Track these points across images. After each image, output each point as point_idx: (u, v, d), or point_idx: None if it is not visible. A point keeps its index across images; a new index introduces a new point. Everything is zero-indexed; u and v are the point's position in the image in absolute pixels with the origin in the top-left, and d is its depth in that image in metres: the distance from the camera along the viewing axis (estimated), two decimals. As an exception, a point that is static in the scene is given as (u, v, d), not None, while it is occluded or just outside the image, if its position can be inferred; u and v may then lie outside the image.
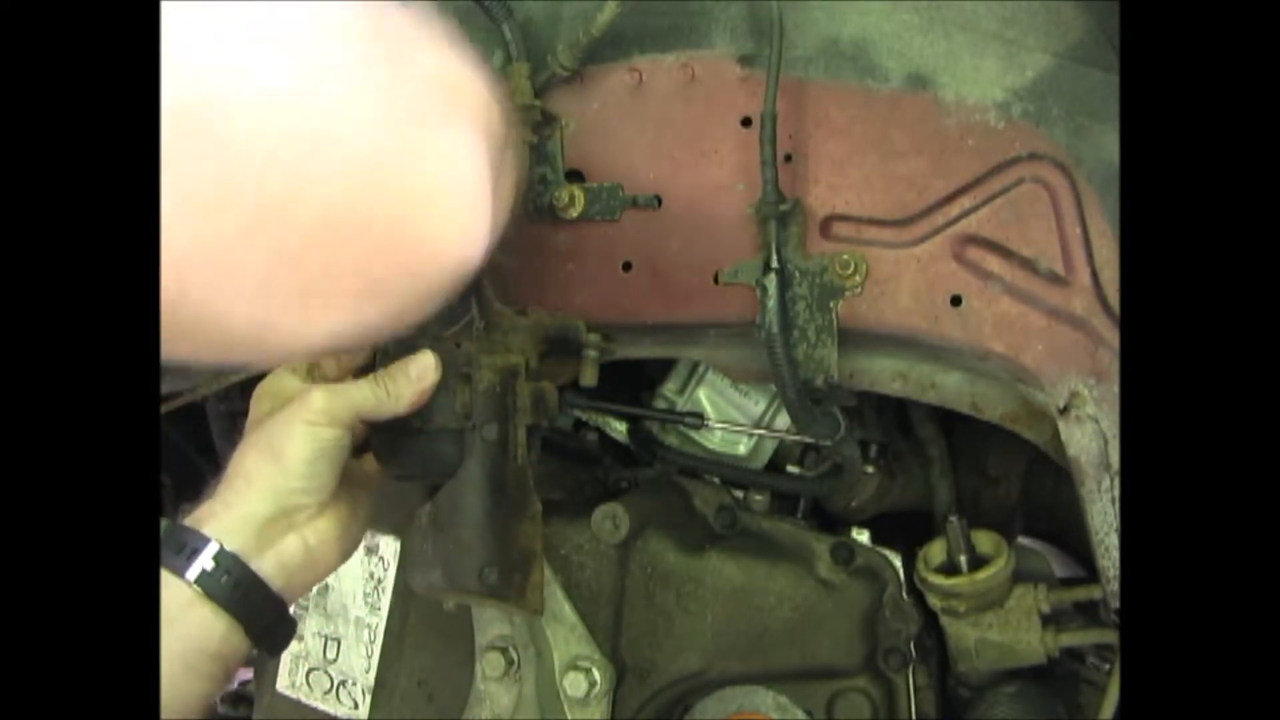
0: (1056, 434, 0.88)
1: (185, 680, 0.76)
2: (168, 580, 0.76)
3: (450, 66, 0.60)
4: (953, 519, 1.04)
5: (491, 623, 1.08)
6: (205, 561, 0.77)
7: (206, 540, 0.78)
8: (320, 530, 0.84)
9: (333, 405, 0.82)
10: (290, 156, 0.52)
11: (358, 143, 0.54)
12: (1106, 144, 0.85)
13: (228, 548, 0.78)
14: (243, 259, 0.52)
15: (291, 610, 0.84)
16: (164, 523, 0.79)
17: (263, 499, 0.80)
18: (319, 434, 0.81)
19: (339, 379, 0.92)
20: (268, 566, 0.80)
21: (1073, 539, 1.20)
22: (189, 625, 0.76)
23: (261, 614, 0.80)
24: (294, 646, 1.19)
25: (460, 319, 0.93)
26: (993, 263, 0.87)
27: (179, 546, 0.78)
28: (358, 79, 0.55)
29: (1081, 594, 1.02)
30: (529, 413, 0.91)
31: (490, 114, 0.64)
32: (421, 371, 0.87)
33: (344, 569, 0.93)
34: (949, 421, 1.18)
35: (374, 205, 0.54)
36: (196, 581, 0.76)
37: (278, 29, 0.52)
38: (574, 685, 1.02)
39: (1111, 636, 1.02)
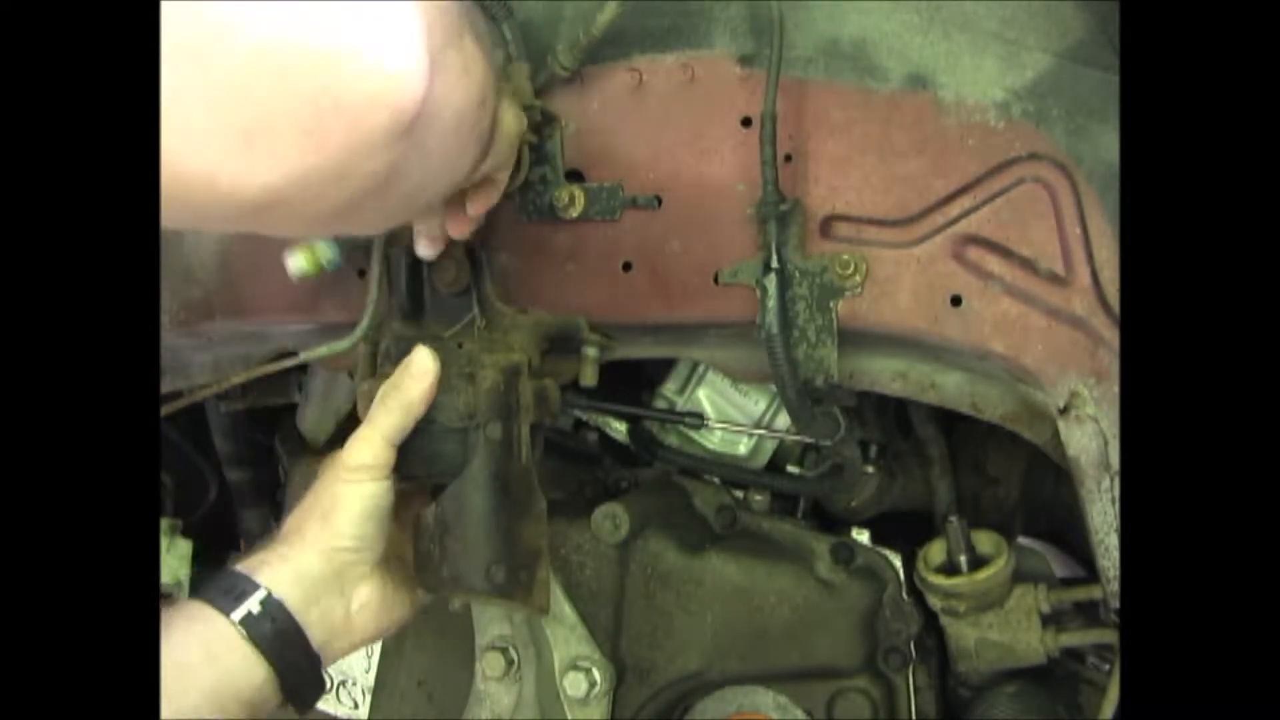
0: (1056, 434, 0.88)
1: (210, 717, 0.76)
2: (212, 617, 0.77)
3: None
4: (953, 519, 1.05)
5: (491, 623, 1.08)
6: (252, 605, 0.78)
7: (256, 586, 0.79)
8: (363, 596, 0.85)
9: (364, 456, 0.84)
10: None
11: None
12: (1106, 144, 0.85)
13: (276, 595, 0.79)
14: (182, 99, 0.52)
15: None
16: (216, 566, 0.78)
17: (315, 557, 0.82)
18: (363, 490, 0.83)
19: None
20: (311, 621, 0.81)
21: (1073, 539, 1.20)
22: (226, 667, 0.76)
23: (298, 668, 0.80)
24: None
25: (461, 318, 0.93)
26: (993, 263, 0.87)
27: (228, 588, 0.78)
28: None
29: (1081, 594, 1.02)
30: (532, 411, 0.91)
31: None
32: (422, 366, 0.87)
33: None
34: (949, 421, 1.18)
35: (305, 44, 0.55)
36: (241, 622, 0.77)
37: None
38: (574, 685, 1.02)
39: (1111, 636, 1.02)
